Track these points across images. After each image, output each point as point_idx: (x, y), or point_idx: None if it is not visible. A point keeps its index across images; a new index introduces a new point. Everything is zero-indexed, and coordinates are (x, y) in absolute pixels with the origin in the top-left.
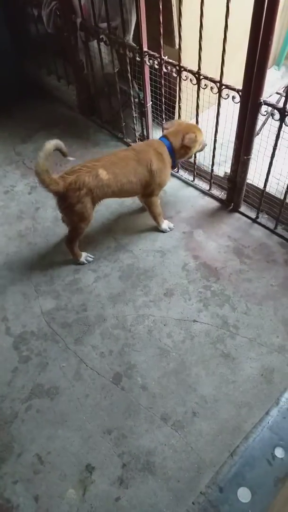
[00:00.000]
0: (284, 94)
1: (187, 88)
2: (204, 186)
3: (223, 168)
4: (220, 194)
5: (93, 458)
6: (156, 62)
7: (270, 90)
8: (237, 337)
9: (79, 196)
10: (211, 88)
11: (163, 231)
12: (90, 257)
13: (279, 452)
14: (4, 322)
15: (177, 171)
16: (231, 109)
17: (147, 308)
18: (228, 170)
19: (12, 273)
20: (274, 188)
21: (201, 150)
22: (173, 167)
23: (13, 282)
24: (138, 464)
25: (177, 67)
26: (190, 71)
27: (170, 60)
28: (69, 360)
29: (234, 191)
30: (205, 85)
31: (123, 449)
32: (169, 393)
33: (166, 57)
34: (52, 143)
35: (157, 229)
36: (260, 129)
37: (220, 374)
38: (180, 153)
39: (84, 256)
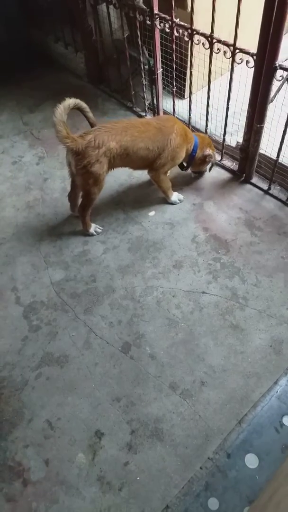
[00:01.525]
0: None
1: (199, 53)
2: (216, 156)
3: (235, 137)
4: (232, 164)
5: (102, 425)
6: (167, 26)
7: (287, 57)
8: (246, 309)
9: (97, 155)
10: (224, 52)
11: (172, 203)
12: (99, 229)
13: (287, 421)
14: (14, 292)
15: None
16: (245, 75)
17: (156, 280)
18: (241, 140)
19: (21, 244)
20: None
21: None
22: (188, 165)
23: (22, 253)
24: (147, 431)
25: (189, 31)
26: (203, 35)
27: (182, 23)
28: (78, 330)
29: (246, 162)
30: (218, 49)
31: (132, 416)
32: (177, 362)
33: (178, 20)
34: (73, 100)
35: (167, 201)
36: (275, 96)
37: (228, 344)
38: (198, 158)
39: (93, 227)
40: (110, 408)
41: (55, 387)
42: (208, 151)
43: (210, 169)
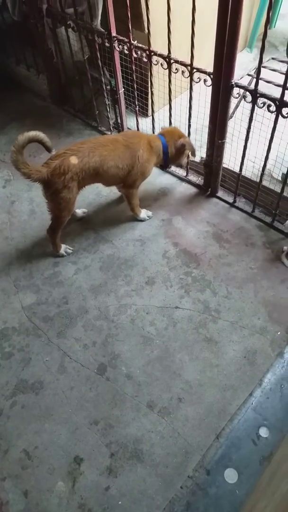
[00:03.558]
0: (255, 76)
1: (159, 73)
2: (181, 172)
3: (199, 153)
4: (197, 179)
5: (81, 450)
6: (125, 47)
7: (243, 73)
8: (219, 321)
9: (64, 180)
10: (182, 72)
11: (141, 220)
12: (70, 249)
13: (263, 432)
14: None
15: None
16: (204, 93)
17: (129, 298)
18: (204, 155)
19: None
20: (250, 171)
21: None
22: (165, 166)
23: None
24: (126, 453)
25: (147, 52)
26: (161, 55)
27: (140, 45)
28: (52, 354)
29: (211, 176)
30: (176, 69)
31: (111, 438)
32: (154, 380)
33: (136, 41)
34: (25, 136)
35: (136, 218)
36: (233, 112)
37: (203, 358)
38: (173, 154)
39: (63, 248)
40: (88, 432)
41: (31, 415)
42: (180, 142)
43: (194, 154)
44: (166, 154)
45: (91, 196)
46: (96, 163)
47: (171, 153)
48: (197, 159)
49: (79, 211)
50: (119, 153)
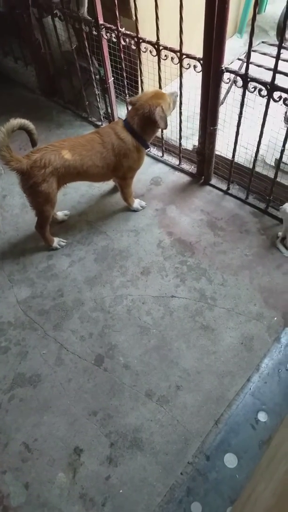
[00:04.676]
0: (246, 60)
1: (148, 61)
2: (174, 161)
3: (191, 141)
4: (190, 168)
5: (80, 441)
6: (113, 35)
7: (234, 59)
8: (215, 309)
9: (44, 174)
10: (172, 58)
11: (135, 210)
12: (63, 242)
13: (262, 416)
14: None
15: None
16: (195, 80)
17: (124, 288)
18: (196, 143)
19: None
20: (243, 158)
21: (174, 106)
22: (145, 146)
23: None
24: (126, 442)
25: (136, 39)
26: (149, 42)
27: (128, 32)
28: (49, 347)
29: (204, 164)
30: (165, 56)
31: (110, 428)
32: (151, 369)
33: (124, 29)
34: (17, 121)
35: (130, 208)
36: (224, 98)
37: (200, 346)
38: (147, 132)
39: (56, 241)
40: (87, 423)
41: (29, 408)
42: (162, 123)
43: (174, 104)
44: (138, 137)
45: (84, 188)
46: (76, 161)
47: (146, 132)
48: (189, 147)
49: (60, 214)
50: (96, 152)
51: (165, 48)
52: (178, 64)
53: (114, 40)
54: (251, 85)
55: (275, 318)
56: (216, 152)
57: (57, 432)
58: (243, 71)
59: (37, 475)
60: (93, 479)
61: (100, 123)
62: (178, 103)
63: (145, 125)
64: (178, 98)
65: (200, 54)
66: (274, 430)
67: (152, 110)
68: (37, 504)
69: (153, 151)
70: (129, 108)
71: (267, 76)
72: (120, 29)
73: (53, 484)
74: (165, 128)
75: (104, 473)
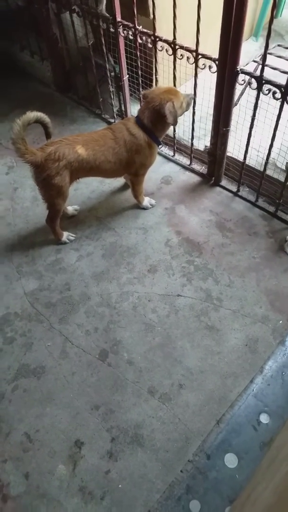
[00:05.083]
0: (261, 62)
1: (164, 60)
2: (185, 161)
3: (203, 142)
4: (201, 168)
5: (81, 434)
6: (130, 33)
7: (249, 61)
8: (220, 309)
9: (57, 167)
10: (188, 58)
11: (144, 208)
12: (72, 236)
13: (264, 418)
14: None
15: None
16: (209, 80)
17: (131, 285)
18: (208, 144)
19: None
20: (254, 160)
21: (189, 106)
22: (157, 142)
23: None
24: (127, 437)
25: (152, 37)
26: (166, 41)
27: (145, 30)
28: (54, 339)
29: (215, 165)
30: (181, 55)
31: (111, 423)
32: (155, 366)
33: (141, 27)
34: (33, 114)
35: (139, 206)
36: (238, 100)
37: (205, 346)
38: (157, 127)
39: (65, 235)
40: (89, 416)
41: (32, 399)
42: (170, 118)
43: (188, 106)
44: (148, 131)
45: (95, 184)
46: (89, 156)
47: (157, 129)
48: (201, 147)
49: (70, 208)
50: (108, 148)
51: (181, 47)
52: (194, 64)
53: (131, 37)
54: (266, 87)
55: (281, 322)
56: (228, 154)
57: (59, 424)
58: (258, 73)
59: (38, 466)
60: (93, 473)
61: (113, 120)
62: (192, 105)
63: (155, 119)
64: (192, 101)
65: (215, 55)
66: (275, 432)
67: (163, 103)
68: (36, 495)
69: (165, 150)
70: (144, 100)
71: (282, 79)
72: (137, 27)
73: (53, 475)
74: (174, 124)
75: (104, 467)
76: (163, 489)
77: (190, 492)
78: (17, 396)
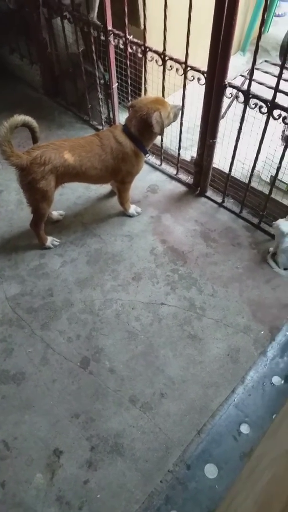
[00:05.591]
0: (248, 77)
1: (153, 70)
2: (171, 170)
3: (190, 152)
4: (187, 178)
5: (61, 442)
6: (121, 42)
7: (236, 75)
8: (203, 319)
9: (43, 171)
10: (177, 69)
11: (130, 216)
12: (56, 241)
13: (244, 428)
14: None
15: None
16: (197, 92)
17: (115, 292)
18: (195, 154)
19: None
20: (240, 172)
21: (176, 118)
22: (144, 152)
23: None
24: (107, 447)
25: (142, 47)
26: (156, 52)
27: (135, 40)
28: (35, 346)
29: (201, 175)
30: (170, 66)
31: (91, 432)
32: (137, 375)
33: (131, 36)
34: (21, 117)
35: (125, 213)
36: (225, 112)
37: (187, 355)
38: (144, 136)
39: (50, 240)
40: (69, 425)
41: (11, 406)
42: (156, 127)
43: (175, 117)
44: (135, 139)
45: (81, 189)
46: (75, 162)
47: (145, 138)
48: (187, 157)
49: (55, 213)
50: (95, 154)
51: (171, 58)
52: (183, 75)
53: (121, 46)
54: (252, 101)
55: (262, 332)
56: (214, 165)
57: (38, 432)
58: (245, 87)
59: (15, 474)
60: (71, 482)
61: (101, 127)
62: (179, 116)
63: (142, 128)
64: (180, 112)
65: (204, 68)
66: (255, 443)
67: (150, 113)
68: (12, 504)
69: (152, 159)
70: (130, 109)
71: (268, 94)
72: (128, 36)
73: (30, 484)
74: (160, 133)
75: (83, 477)
76: (142, 499)
77: (169, 502)
78: None
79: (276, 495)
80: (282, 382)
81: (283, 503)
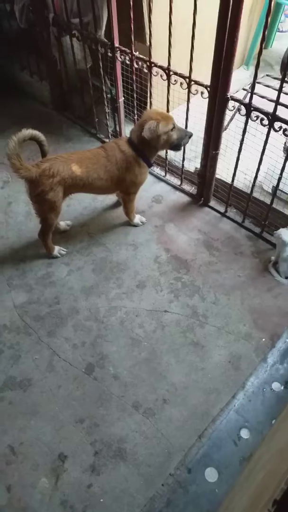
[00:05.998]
0: (250, 90)
1: (158, 84)
2: (176, 181)
3: (193, 163)
4: (191, 189)
5: (65, 447)
6: (127, 58)
7: (239, 89)
8: (206, 326)
9: (51, 183)
10: (181, 84)
11: (135, 225)
12: (63, 251)
13: (244, 433)
14: None
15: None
16: (201, 105)
17: (119, 300)
18: (198, 166)
19: None
20: (242, 183)
21: (180, 141)
22: (148, 164)
23: None
24: (110, 452)
25: (148, 63)
26: (161, 67)
27: (141, 56)
28: (41, 352)
29: (204, 186)
30: (175, 80)
31: (95, 437)
32: (140, 381)
33: (137, 52)
34: (28, 131)
35: (130, 223)
36: (228, 124)
37: (189, 361)
38: (145, 147)
39: (57, 249)
40: (74, 430)
41: (17, 411)
42: (144, 131)
43: (179, 139)
44: (138, 150)
45: (87, 200)
46: (82, 173)
47: (146, 149)
48: (191, 168)
49: (62, 223)
50: (101, 166)
51: (175, 73)
52: (187, 89)
53: (128, 62)
54: (254, 114)
55: (263, 339)
56: (217, 176)
57: (43, 437)
58: (247, 100)
59: (20, 479)
60: (75, 487)
61: (107, 140)
62: (187, 143)
63: (142, 137)
64: (188, 139)
65: (207, 82)
66: (255, 448)
67: (147, 121)
68: (17, 508)
69: (156, 170)
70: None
71: (269, 107)
72: (134, 52)
73: (35, 488)
74: (153, 143)
75: (87, 481)
76: (144, 503)
77: (170, 506)
78: (2, 408)
79: (267, 487)
80: (282, 388)
81: (272, 491)
